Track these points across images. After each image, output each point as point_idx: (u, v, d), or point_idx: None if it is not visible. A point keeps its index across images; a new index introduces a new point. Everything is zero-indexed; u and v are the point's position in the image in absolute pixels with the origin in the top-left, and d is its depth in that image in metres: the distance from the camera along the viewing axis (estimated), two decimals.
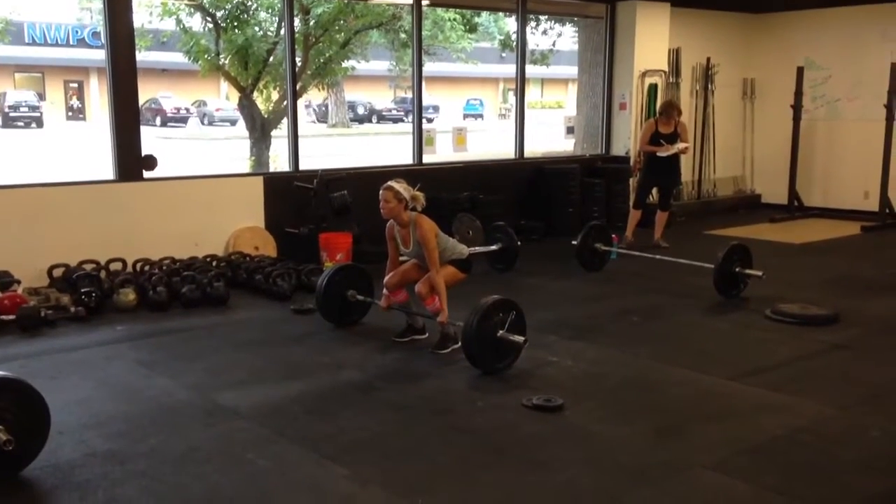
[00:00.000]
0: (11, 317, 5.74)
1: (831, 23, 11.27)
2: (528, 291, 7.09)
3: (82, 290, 6.16)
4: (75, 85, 34.00)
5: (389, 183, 5.27)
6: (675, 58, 11.00)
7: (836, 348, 5.56)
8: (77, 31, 30.36)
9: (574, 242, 7.68)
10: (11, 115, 29.18)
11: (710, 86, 11.57)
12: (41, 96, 31.82)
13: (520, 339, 4.92)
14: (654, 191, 9.17)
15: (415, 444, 4.02)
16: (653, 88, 10.59)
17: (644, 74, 10.53)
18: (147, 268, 6.90)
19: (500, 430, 4.17)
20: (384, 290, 5.54)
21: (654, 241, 8.89)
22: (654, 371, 5.10)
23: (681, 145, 8.70)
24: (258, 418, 4.27)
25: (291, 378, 4.89)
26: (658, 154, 8.69)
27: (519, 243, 7.80)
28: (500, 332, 4.90)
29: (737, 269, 6.77)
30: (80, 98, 34.25)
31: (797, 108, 11.02)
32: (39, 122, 29.47)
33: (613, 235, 8.00)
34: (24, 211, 6.66)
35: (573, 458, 3.85)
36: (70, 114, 33.53)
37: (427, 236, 5.20)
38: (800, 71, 10.96)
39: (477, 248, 7.90)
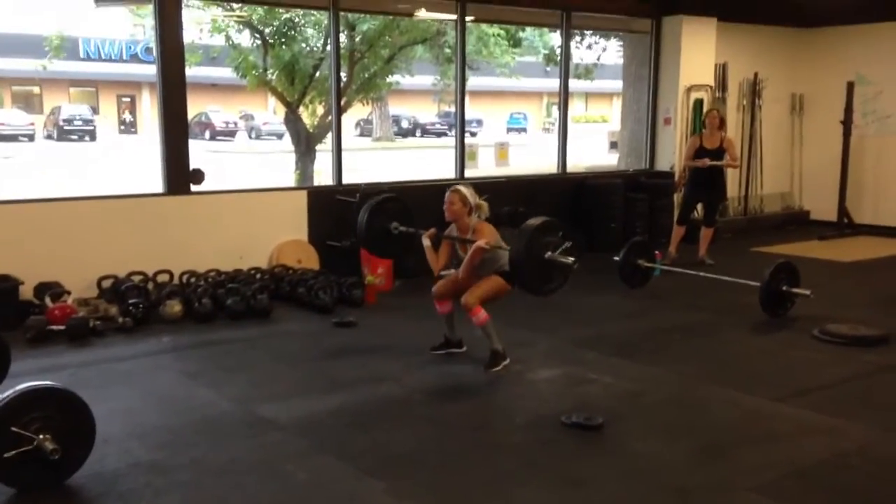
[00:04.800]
0: (61, 327, 5.89)
1: (883, 37, 11.04)
2: (568, 307, 7.05)
3: (130, 302, 6.29)
4: (128, 99, 34.86)
5: (457, 186, 5.40)
6: (721, 72, 10.88)
7: (885, 370, 5.43)
8: (130, 47, 31.14)
9: (616, 258, 7.61)
10: (66, 128, 29.97)
11: (757, 101, 11.42)
12: (95, 110, 32.65)
13: (570, 260, 4.85)
14: (699, 206, 9.07)
15: (452, 459, 4.02)
16: (698, 103, 10.48)
17: (690, 89, 10.42)
18: (193, 280, 7.02)
19: (538, 447, 4.15)
20: (426, 238, 5.48)
21: (699, 257, 8.77)
22: (697, 390, 5.03)
23: (728, 160, 8.63)
24: (298, 430, 4.31)
25: (331, 391, 4.93)
26: (700, 166, 8.62)
27: None
28: (549, 253, 4.85)
29: (784, 288, 6.65)
30: (133, 112, 35.09)
31: (847, 123, 10.80)
32: (93, 136, 30.19)
33: (657, 251, 7.91)
34: (75, 223, 6.82)
35: (612, 477, 3.81)
36: (122, 127, 34.36)
37: (484, 233, 5.20)
38: (850, 86, 10.76)
39: None
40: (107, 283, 6.77)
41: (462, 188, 5.36)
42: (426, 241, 5.47)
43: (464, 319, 5.43)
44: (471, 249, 5.18)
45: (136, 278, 6.83)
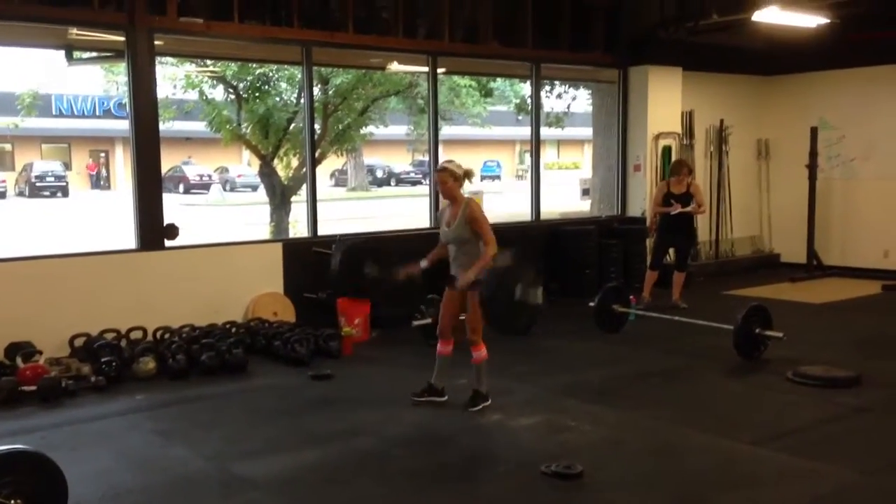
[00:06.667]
0: (33, 388, 5.78)
1: (844, 83, 11.35)
2: (545, 354, 7.06)
3: (102, 360, 6.21)
4: (102, 155, 34.78)
5: (442, 164, 5.51)
6: (688, 120, 11.11)
7: (859, 411, 5.48)
8: (103, 103, 31.18)
9: (591, 304, 7.66)
10: (38, 185, 29.81)
11: (724, 147, 11.65)
12: (67, 166, 32.52)
13: (538, 299, 4.95)
14: (671, 251, 9.18)
15: None
16: (667, 150, 10.68)
17: (658, 137, 10.62)
18: (167, 336, 6.95)
19: (517, 498, 4.12)
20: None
21: (673, 301, 8.85)
22: (675, 436, 5.04)
23: (694, 206, 8.76)
24: (274, 488, 4.25)
25: (308, 446, 4.88)
26: (670, 213, 8.75)
27: None
28: (518, 292, 4.94)
29: (757, 331, 6.71)
30: (106, 167, 34.99)
31: (812, 167, 11.04)
32: (65, 192, 30.04)
33: (631, 297, 7.98)
34: (47, 281, 6.75)
35: None
36: (102, 182, 34.24)
37: (476, 214, 5.34)
38: (814, 131, 11.02)
39: None
40: (79, 342, 6.69)
41: (448, 165, 5.47)
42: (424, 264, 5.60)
43: (456, 364, 5.45)
44: (480, 262, 5.30)
45: (109, 336, 6.76)
